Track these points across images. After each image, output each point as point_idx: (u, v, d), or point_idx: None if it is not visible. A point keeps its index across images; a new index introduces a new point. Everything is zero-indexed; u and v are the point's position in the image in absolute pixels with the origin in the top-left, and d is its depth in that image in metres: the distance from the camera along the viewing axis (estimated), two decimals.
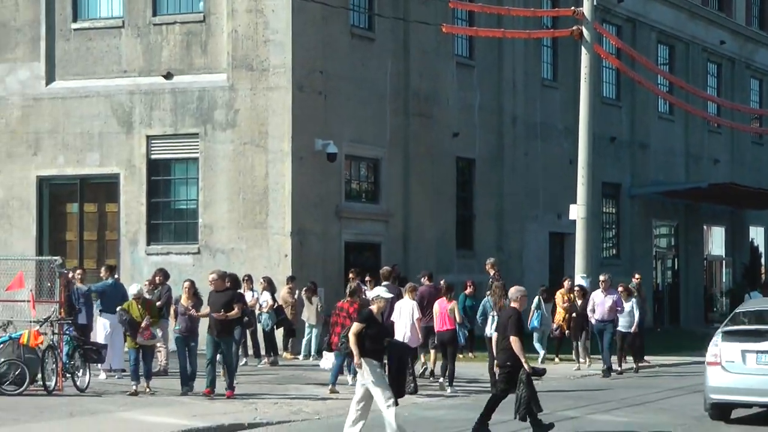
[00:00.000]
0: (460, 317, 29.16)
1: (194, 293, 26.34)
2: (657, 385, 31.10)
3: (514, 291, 21.54)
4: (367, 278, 31.36)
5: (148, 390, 25.83)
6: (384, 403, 19.37)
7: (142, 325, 25.62)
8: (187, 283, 26.70)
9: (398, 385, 19.92)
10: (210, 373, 25.30)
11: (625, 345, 34.11)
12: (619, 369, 33.88)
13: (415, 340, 28.30)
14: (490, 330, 28.25)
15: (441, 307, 29.05)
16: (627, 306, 33.32)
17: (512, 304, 21.32)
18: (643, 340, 36.23)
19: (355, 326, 19.70)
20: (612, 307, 32.86)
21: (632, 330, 33.54)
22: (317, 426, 22.80)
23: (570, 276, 37.52)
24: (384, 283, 29.72)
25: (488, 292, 30.70)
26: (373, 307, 20.26)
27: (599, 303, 32.96)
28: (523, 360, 20.44)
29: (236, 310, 25.40)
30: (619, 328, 33.45)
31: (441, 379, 29.26)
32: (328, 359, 28.68)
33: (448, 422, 23.13)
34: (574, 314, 33.89)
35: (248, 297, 31.11)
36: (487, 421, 20.49)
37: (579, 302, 33.97)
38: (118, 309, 26.74)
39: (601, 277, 33.60)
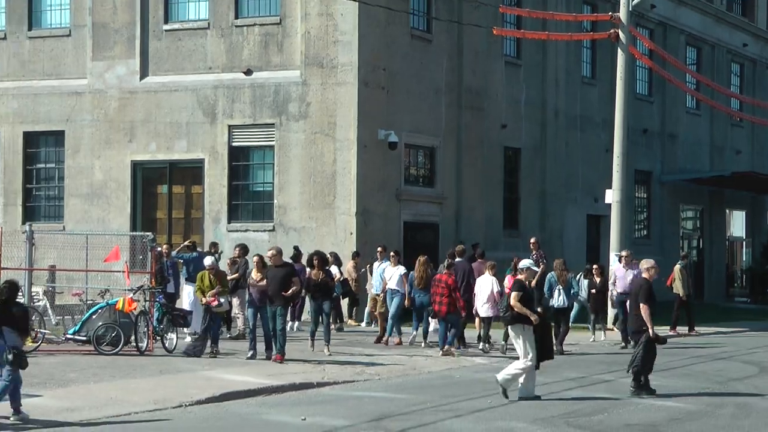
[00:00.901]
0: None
1: (263, 266, 25.83)
2: (682, 353, 30.65)
3: (645, 263, 21.84)
4: (392, 253, 31.14)
5: (213, 352, 25.74)
6: (523, 359, 20.22)
7: (210, 293, 25.53)
8: (256, 258, 26.31)
9: (545, 349, 20.72)
10: (278, 339, 25.03)
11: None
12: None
13: (494, 310, 27.79)
14: (557, 302, 29.33)
15: (510, 280, 28.24)
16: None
17: (643, 275, 21.59)
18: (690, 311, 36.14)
19: (515, 294, 20.23)
20: (633, 280, 31.64)
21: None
22: (377, 385, 22.77)
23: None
24: (458, 259, 29.98)
25: (553, 269, 30.43)
26: (521, 277, 20.98)
27: (621, 277, 32.14)
28: (649, 325, 20.93)
29: (295, 287, 25.11)
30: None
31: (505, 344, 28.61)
32: (433, 325, 29.24)
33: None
34: (593, 290, 32.85)
35: (335, 271, 31.05)
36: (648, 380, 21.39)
37: (598, 280, 33.10)
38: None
39: (623, 253, 33.15)
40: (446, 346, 27.78)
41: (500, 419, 18.23)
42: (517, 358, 20.74)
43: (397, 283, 29.60)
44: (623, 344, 30.73)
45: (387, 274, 30.14)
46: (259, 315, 25.73)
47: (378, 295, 31.48)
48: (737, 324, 40.58)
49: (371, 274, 33.67)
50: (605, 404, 20.19)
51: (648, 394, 20.96)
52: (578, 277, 32.88)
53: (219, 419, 18.03)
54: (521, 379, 20.35)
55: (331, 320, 28.00)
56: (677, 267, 36.74)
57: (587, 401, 20.62)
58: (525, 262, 21.78)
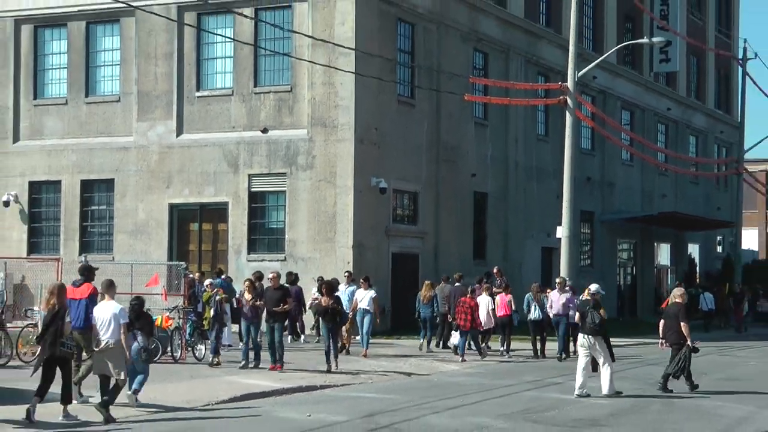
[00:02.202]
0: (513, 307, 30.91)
1: (254, 288, 25.40)
2: (620, 359, 30.63)
3: (677, 290, 23.25)
4: (362, 279, 30.26)
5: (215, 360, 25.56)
6: (607, 364, 21.18)
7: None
8: (246, 281, 26.08)
9: (610, 352, 21.47)
10: (275, 350, 24.77)
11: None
12: (564, 355, 30.37)
13: (489, 323, 29.96)
14: (533, 315, 30.64)
15: (501, 298, 30.37)
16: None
17: (677, 300, 22.55)
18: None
19: (603, 312, 21.55)
20: (565, 303, 30.30)
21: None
22: (369, 387, 22.61)
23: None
24: (456, 284, 31.59)
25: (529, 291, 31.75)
26: (597, 297, 21.84)
27: (555, 300, 30.49)
28: (689, 339, 21.98)
29: (287, 305, 24.93)
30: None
31: (501, 349, 30.66)
32: (455, 337, 29.65)
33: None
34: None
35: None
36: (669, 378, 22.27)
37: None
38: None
39: (557, 280, 31.94)
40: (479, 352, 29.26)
41: (470, 415, 18.28)
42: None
43: (368, 304, 28.92)
44: (560, 356, 30.07)
45: (359, 296, 29.15)
46: (250, 328, 25.25)
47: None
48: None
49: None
50: (556, 403, 20.25)
51: (692, 389, 22.07)
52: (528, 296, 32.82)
53: (239, 415, 18.09)
54: (606, 381, 21.28)
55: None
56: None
57: (541, 400, 20.70)
58: (594, 287, 22.31)
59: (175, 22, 37.55)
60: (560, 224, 38.23)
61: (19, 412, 16.34)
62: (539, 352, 30.73)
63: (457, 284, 31.73)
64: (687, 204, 61.38)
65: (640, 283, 57.82)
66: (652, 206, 57.39)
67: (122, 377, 17.39)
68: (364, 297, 29.01)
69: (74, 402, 17.54)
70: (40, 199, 40.98)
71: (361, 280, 30.12)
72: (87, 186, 40.22)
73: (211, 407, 18.82)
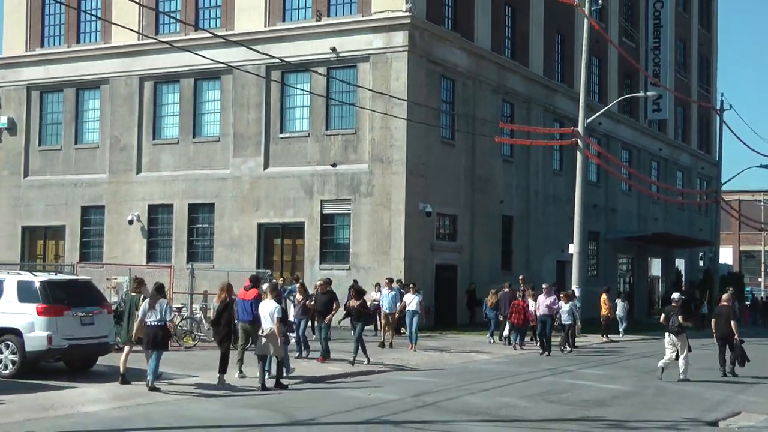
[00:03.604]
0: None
1: (305, 290, 24.75)
2: (618, 353, 30.36)
3: (726, 295, 23.68)
4: (410, 285, 29.80)
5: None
6: (684, 355, 21.68)
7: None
8: (298, 284, 25.72)
9: (688, 347, 21.83)
10: (322, 346, 23.45)
11: (568, 332, 29.67)
12: (569, 348, 29.60)
13: (530, 322, 30.08)
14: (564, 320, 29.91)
15: (541, 300, 29.68)
16: (566, 307, 29.36)
17: (726, 303, 23.14)
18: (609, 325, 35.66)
19: (683, 316, 21.88)
20: (549, 305, 28.73)
21: (570, 323, 29.55)
22: (417, 373, 22.36)
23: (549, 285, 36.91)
24: (505, 290, 31.36)
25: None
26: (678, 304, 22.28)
27: (542, 303, 28.93)
28: (736, 335, 22.44)
29: (335, 309, 23.38)
30: (564, 322, 29.42)
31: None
32: (508, 332, 30.33)
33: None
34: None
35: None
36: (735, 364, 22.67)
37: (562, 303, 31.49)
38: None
39: (544, 285, 30.28)
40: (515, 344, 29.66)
41: (499, 396, 18.20)
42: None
43: (416, 306, 27.92)
44: (542, 352, 28.07)
45: (407, 299, 28.18)
46: (300, 324, 24.26)
47: (390, 314, 28.88)
48: (656, 333, 39.83)
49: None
50: (569, 387, 20.09)
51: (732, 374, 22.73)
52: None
53: (314, 394, 18.13)
54: (682, 367, 21.69)
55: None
56: (603, 296, 36.54)
57: (557, 384, 20.55)
58: (676, 295, 23.15)
59: (264, 78, 37.92)
60: (572, 242, 38.12)
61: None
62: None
63: (506, 290, 31.32)
64: (674, 226, 60.66)
65: (636, 290, 57.14)
66: (647, 228, 56.74)
67: (281, 354, 18.62)
68: (412, 300, 28.31)
69: (235, 376, 19.17)
70: (157, 218, 41.33)
71: (410, 286, 29.81)
72: (193, 208, 40.51)
73: (291, 386, 18.89)
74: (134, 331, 17.78)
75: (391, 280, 30.77)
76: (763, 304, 62.21)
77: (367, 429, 14.25)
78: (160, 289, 17.80)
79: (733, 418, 16.33)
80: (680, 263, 64.68)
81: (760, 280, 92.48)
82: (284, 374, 19.20)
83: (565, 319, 29.63)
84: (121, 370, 17.80)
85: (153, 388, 17.07)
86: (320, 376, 20.70)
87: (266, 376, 18.51)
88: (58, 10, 43.32)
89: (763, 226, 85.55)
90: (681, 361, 21.70)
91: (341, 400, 17.23)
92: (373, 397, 17.44)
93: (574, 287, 36.37)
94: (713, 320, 23.46)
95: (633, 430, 14.84)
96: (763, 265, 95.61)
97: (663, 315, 22.43)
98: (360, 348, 23.18)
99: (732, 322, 22.52)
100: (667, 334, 21.99)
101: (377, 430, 14.20)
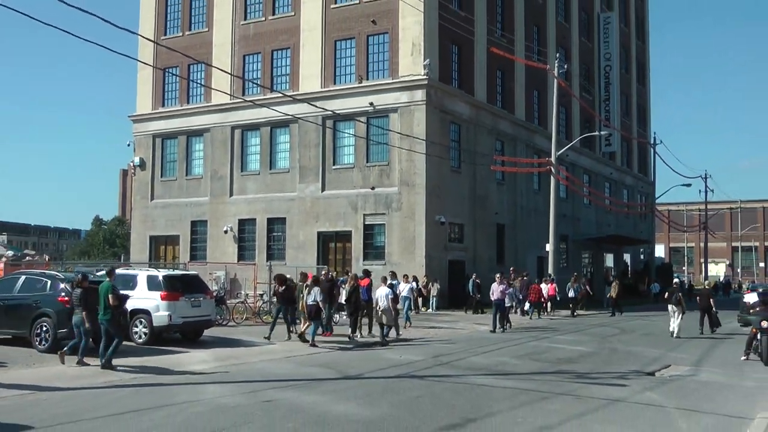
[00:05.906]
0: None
1: (316, 281, 21.59)
2: (582, 323, 29.95)
3: (707, 284, 25.92)
4: (403, 275, 28.46)
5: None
6: (679, 319, 23.42)
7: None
8: (310, 276, 21.95)
9: (683, 312, 23.60)
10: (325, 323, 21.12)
11: (507, 313, 25.94)
12: (510, 326, 25.98)
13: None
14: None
15: (550, 285, 31.95)
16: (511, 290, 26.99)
17: (705, 288, 26.27)
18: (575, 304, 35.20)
19: (669, 293, 24.14)
20: (503, 291, 25.28)
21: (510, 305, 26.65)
22: (435, 341, 22.03)
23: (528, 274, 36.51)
24: (524, 278, 32.67)
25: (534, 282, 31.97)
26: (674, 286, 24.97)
27: (495, 289, 25.34)
28: (714, 308, 24.25)
29: (342, 294, 21.88)
30: (506, 304, 25.79)
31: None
32: (526, 308, 31.12)
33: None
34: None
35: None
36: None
37: (543, 285, 32.23)
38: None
39: (497, 275, 26.61)
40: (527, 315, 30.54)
41: (496, 356, 18.01)
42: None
43: (408, 293, 26.36)
44: (492, 329, 24.58)
45: (401, 288, 26.36)
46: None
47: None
48: (608, 311, 39.55)
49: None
50: (548, 349, 19.85)
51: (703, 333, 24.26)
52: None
53: (356, 356, 18.04)
54: (677, 329, 23.33)
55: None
56: (571, 282, 36.19)
57: (538, 347, 20.33)
58: (677, 281, 25.93)
59: (321, 126, 38.01)
60: (548, 242, 37.76)
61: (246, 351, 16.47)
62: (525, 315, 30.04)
63: (525, 278, 32.49)
64: (622, 230, 59.89)
65: (595, 277, 56.31)
66: (602, 231, 56.03)
67: (391, 322, 20.27)
68: (405, 288, 26.59)
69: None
70: (244, 229, 41.39)
71: (404, 276, 28.37)
72: (270, 221, 40.50)
73: (341, 347, 18.79)
74: (300, 308, 19.15)
75: (394, 273, 30.03)
76: (688, 287, 60.97)
77: (400, 381, 14.20)
78: (315, 281, 18.55)
79: (665, 370, 16.15)
80: (627, 257, 63.78)
81: (683, 268, 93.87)
82: (394, 335, 21.06)
83: (508, 303, 26.47)
84: (298, 333, 19.61)
85: (313, 344, 18.70)
86: (370, 341, 20.60)
87: (383, 334, 20.29)
88: (175, 80, 43.82)
89: (686, 229, 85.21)
90: (676, 322, 23.44)
91: (381, 360, 17.15)
92: (403, 359, 17.35)
93: (550, 276, 36.03)
94: (698, 297, 25.42)
95: (594, 378, 14.67)
96: (686, 257, 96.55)
97: (667, 293, 24.48)
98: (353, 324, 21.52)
99: (711, 300, 24.37)
100: (669, 305, 23.88)
101: (409, 383, 14.15)
